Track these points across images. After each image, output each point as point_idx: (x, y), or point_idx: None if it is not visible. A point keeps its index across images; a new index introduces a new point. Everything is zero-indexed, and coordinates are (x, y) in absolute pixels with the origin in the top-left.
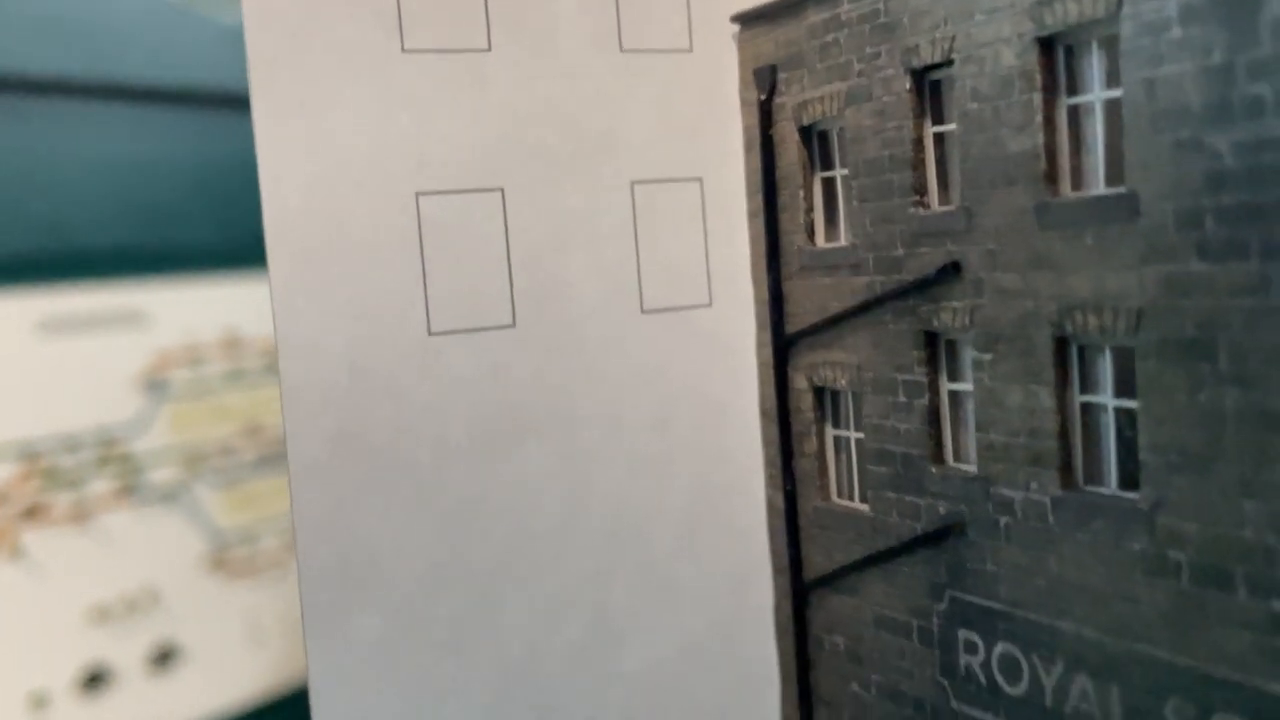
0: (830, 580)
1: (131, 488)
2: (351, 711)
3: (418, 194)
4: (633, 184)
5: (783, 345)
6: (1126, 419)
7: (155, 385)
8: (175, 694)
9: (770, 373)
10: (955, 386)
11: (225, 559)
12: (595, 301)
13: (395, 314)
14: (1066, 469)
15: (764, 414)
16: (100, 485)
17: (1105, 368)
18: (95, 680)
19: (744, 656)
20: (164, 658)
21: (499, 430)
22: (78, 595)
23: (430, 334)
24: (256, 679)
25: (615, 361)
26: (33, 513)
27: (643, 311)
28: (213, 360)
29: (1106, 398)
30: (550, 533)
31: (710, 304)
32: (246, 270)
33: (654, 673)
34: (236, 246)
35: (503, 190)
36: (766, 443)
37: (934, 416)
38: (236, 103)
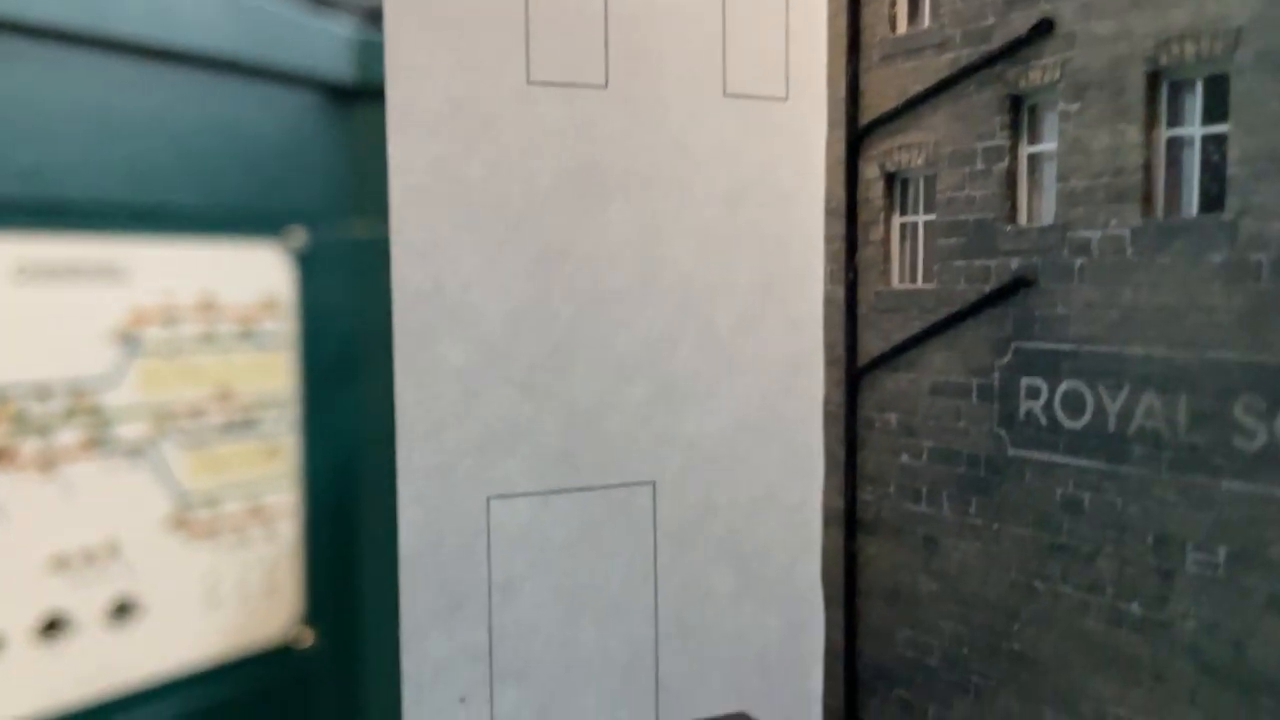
0: (887, 360)
1: (99, 440)
2: (432, 433)
3: None
4: None
5: (856, 136)
6: (1213, 145)
7: (128, 341)
8: (130, 648)
9: (839, 169)
10: (1034, 149)
11: (187, 519)
12: (682, 75)
13: (497, 57)
14: (1148, 200)
15: (829, 211)
16: (68, 435)
17: (1195, 100)
18: (53, 627)
19: (792, 440)
20: (121, 611)
21: (585, 185)
22: (39, 541)
23: (529, 82)
24: (210, 641)
25: (696, 138)
26: None
27: (725, 95)
28: (187, 321)
29: (1194, 128)
30: (625, 293)
31: (786, 99)
32: (226, 236)
33: (709, 443)
34: (218, 211)
35: None
36: (829, 238)
37: (1011, 179)
38: (232, 69)
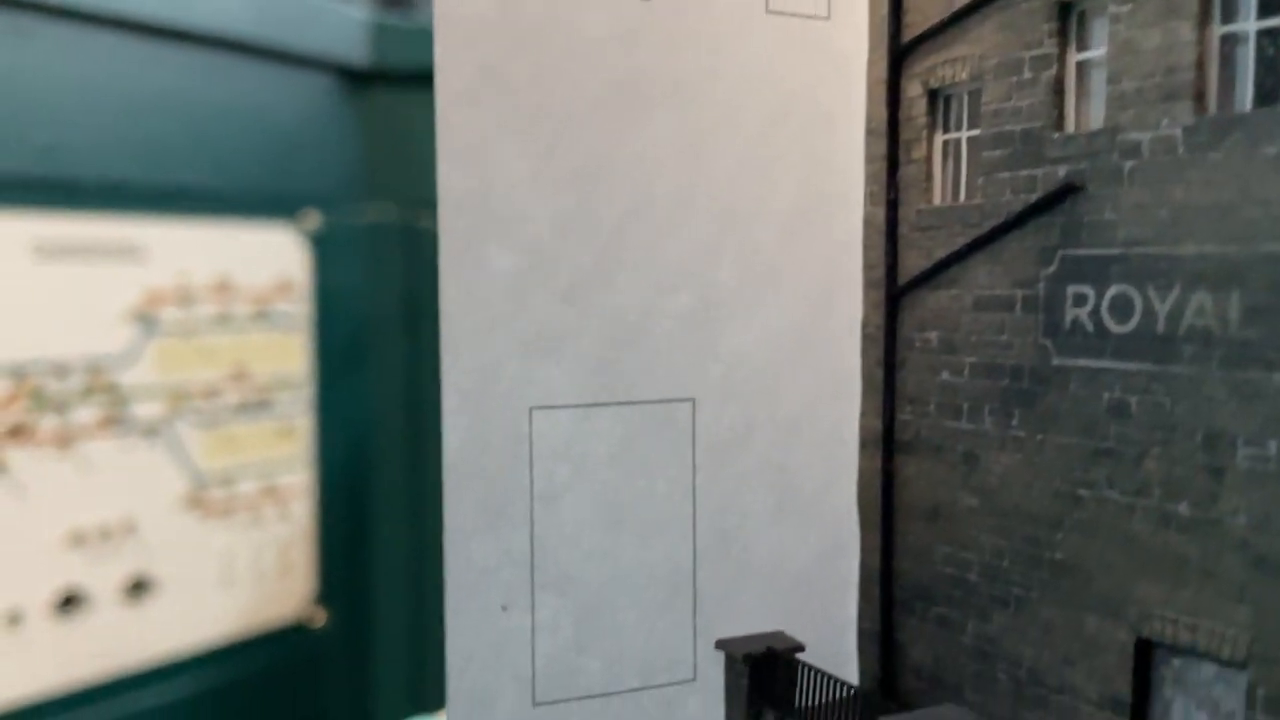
0: (928, 278)
1: (115, 419)
2: (477, 338)
3: None
4: None
5: (899, 53)
6: (1268, 39)
7: (145, 320)
8: (145, 625)
9: (881, 89)
10: (1083, 55)
11: (202, 498)
12: None
13: None
14: (1200, 98)
15: (869, 131)
16: (85, 413)
17: None
18: (69, 603)
19: (830, 361)
20: (137, 588)
21: (628, 95)
22: (56, 518)
23: None
24: (224, 620)
25: (738, 54)
26: (17, 432)
27: (767, 11)
28: (202, 302)
29: (1248, 24)
30: (668, 203)
31: (829, 17)
32: (241, 217)
33: (748, 361)
34: (233, 193)
35: None
36: (869, 159)
37: (1059, 87)
38: (247, 51)
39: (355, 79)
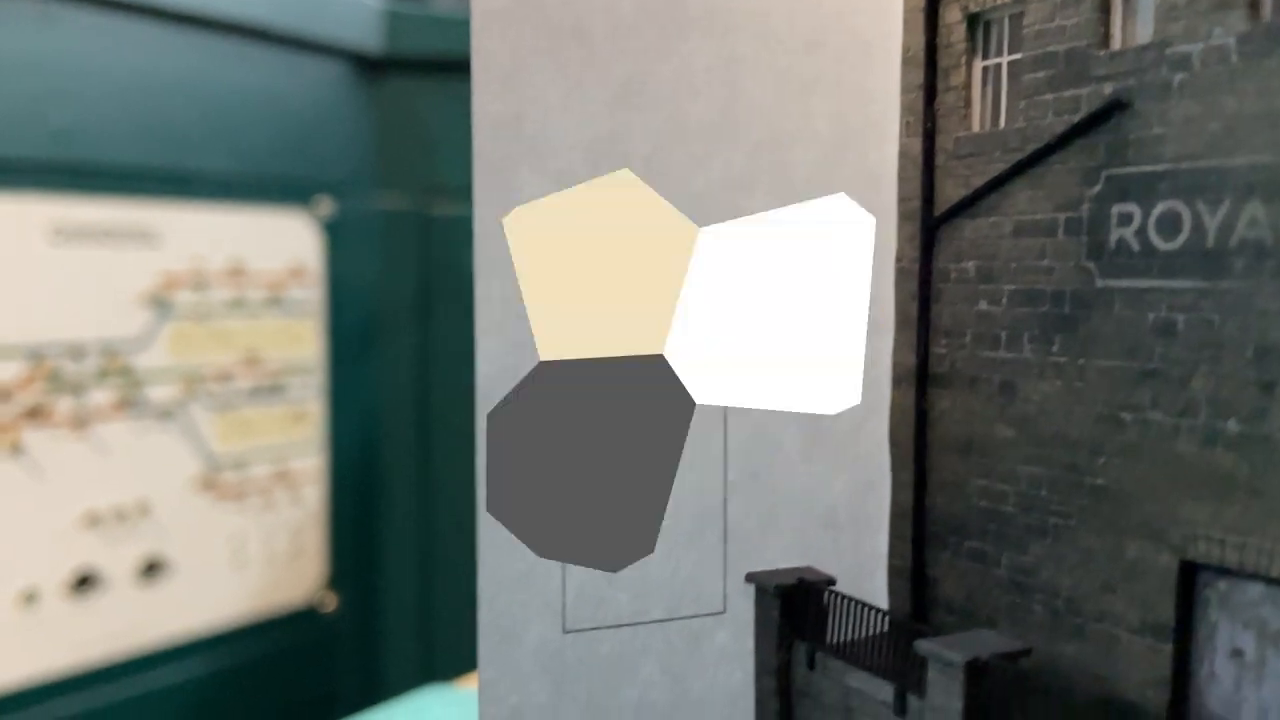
0: (965, 207)
1: (130, 401)
2: (510, 268)
3: None
4: None
5: None
6: None
7: (160, 304)
8: (160, 606)
9: (918, 17)
10: None
11: (215, 481)
12: None
13: None
14: (1255, 5)
15: (906, 61)
16: (100, 395)
17: None
18: (84, 583)
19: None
20: (151, 570)
21: (664, 18)
22: (72, 499)
23: None
24: (236, 602)
25: None
26: (34, 413)
27: None
28: (217, 286)
29: None
30: (703, 131)
31: None
32: (256, 203)
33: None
34: (248, 178)
35: None
36: (905, 89)
37: (1105, 3)
38: (263, 37)
39: (370, 66)
